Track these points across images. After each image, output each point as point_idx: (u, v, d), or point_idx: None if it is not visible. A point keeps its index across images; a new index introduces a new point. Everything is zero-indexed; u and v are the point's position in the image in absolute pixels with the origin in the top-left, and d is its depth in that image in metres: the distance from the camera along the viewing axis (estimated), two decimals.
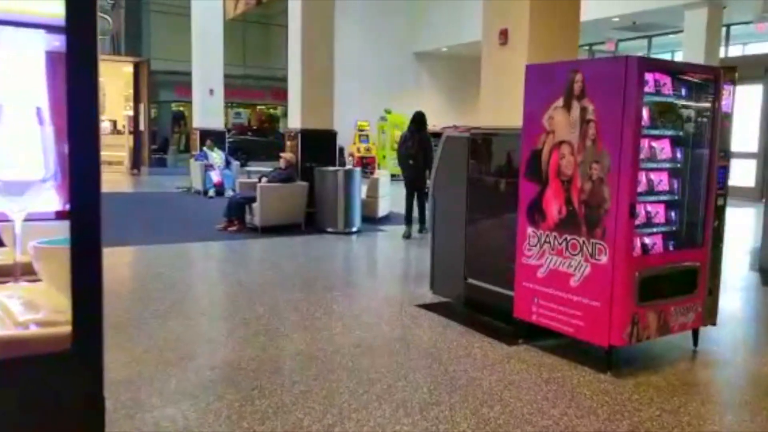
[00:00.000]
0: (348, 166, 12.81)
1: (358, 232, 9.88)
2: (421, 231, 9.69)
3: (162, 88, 26.78)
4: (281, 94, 27.06)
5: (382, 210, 11.21)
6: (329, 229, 9.70)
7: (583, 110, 4.41)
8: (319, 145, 10.33)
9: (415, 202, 9.66)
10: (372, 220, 10.69)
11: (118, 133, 21.25)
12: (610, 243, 4.23)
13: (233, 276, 6.93)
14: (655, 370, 4.42)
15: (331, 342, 4.82)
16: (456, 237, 5.98)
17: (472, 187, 5.74)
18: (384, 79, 21.65)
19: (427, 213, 6.40)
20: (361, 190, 10.20)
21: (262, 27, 27.50)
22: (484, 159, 5.61)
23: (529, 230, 4.84)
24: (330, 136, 10.48)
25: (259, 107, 30.15)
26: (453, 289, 6.06)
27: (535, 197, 4.79)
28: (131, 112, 20.81)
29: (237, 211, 9.65)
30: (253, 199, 9.51)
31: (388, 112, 20.35)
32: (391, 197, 11.89)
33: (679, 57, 15.41)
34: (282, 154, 10.19)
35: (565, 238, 4.56)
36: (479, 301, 5.65)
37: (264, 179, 9.80)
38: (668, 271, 4.47)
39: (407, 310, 5.77)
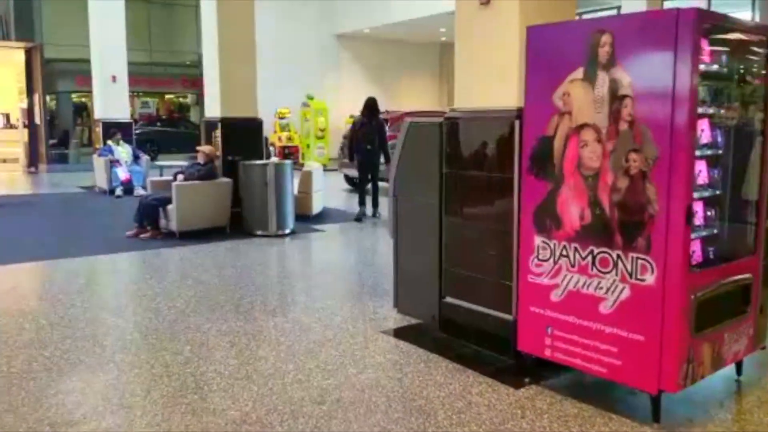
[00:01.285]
0: (273, 158, 11.52)
1: (293, 233, 8.63)
2: (374, 215, 10.11)
3: (60, 77, 24.32)
4: (191, 82, 25.12)
5: (317, 207, 9.97)
6: (259, 232, 8.39)
7: (614, 83, 3.37)
8: (243, 136, 8.98)
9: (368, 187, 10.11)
10: (306, 219, 9.45)
11: (12, 127, 18.85)
12: (659, 258, 3.22)
13: (148, 300, 5.56)
14: (706, 414, 3.48)
15: (285, 398, 3.61)
16: (427, 245, 4.87)
17: (449, 184, 4.63)
18: (304, 63, 20.24)
19: (387, 211, 5.25)
20: (293, 186, 8.93)
21: (167, 7, 25.44)
22: (464, 149, 4.50)
23: (538, 240, 3.78)
24: (255, 125, 9.14)
25: (167, 96, 28.05)
26: (424, 308, 4.96)
27: (546, 198, 3.72)
28: (26, 104, 18.55)
29: (149, 215, 8.19)
30: (167, 201, 8.08)
31: (311, 98, 19.01)
32: (325, 192, 10.68)
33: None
34: (199, 147, 8.78)
35: (591, 251, 3.52)
36: (461, 324, 4.58)
37: (180, 176, 8.37)
38: (723, 289, 3.50)
39: (372, 339, 4.62)
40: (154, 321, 4.96)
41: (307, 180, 9.68)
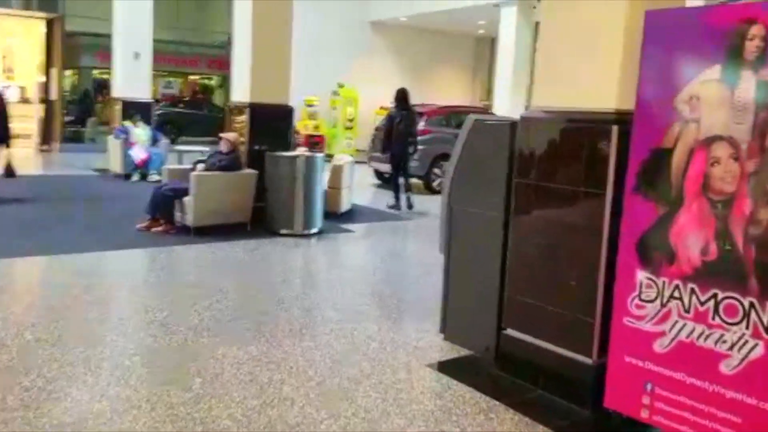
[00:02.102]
0: (301, 149, 10.81)
1: (320, 233, 7.92)
2: (410, 207, 10.17)
3: (83, 51, 23.83)
4: (218, 63, 24.49)
5: (346, 204, 9.26)
6: (283, 231, 7.69)
7: (764, 87, 2.60)
8: (272, 125, 8.26)
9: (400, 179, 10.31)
10: (334, 217, 8.74)
11: (27, 102, 18.25)
12: None
13: (155, 312, 4.86)
14: None
15: None
16: (486, 265, 4.14)
17: (520, 196, 3.88)
18: (335, 50, 19.49)
19: (441, 226, 4.49)
20: (323, 181, 8.22)
21: None
22: (543, 156, 3.74)
23: (641, 276, 3.02)
24: (285, 113, 8.42)
25: (192, 77, 27.45)
26: (478, 337, 4.24)
27: (656, 224, 2.97)
28: (44, 78, 17.96)
29: (163, 207, 7.50)
30: (184, 192, 7.38)
31: (341, 86, 18.27)
32: (354, 187, 9.96)
33: None
34: (223, 135, 8.07)
35: (714, 296, 2.77)
36: (524, 362, 3.84)
37: (200, 166, 7.68)
38: None
39: (418, 375, 3.90)
40: (161, 341, 4.26)
41: (337, 174, 8.96)
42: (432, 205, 10.86)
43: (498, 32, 17.31)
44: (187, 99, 25.19)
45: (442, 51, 22.15)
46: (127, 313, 4.91)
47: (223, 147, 7.83)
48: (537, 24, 18.26)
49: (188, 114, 22.88)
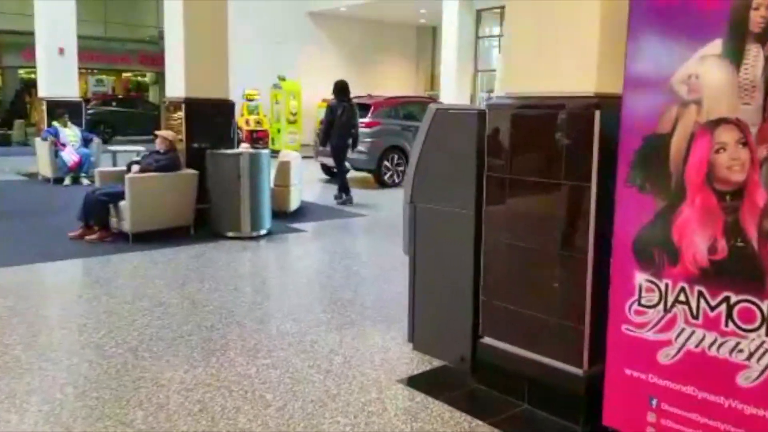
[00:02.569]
0: (244, 146, 10.29)
1: (269, 234, 7.46)
2: (345, 202, 9.95)
3: (6, 50, 22.57)
4: (151, 59, 23.50)
5: (295, 202, 8.80)
6: (229, 234, 7.20)
7: None
8: (212, 121, 7.74)
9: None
10: (283, 216, 8.28)
11: None
12: None
13: (90, 332, 4.35)
14: None
15: None
16: (457, 267, 3.80)
17: (493, 191, 3.53)
18: (274, 42, 18.88)
19: (404, 225, 4.12)
20: (270, 179, 7.74)
21: None
22: (517, 146, 3.41)
23: (640, 278, 2.72)
24: (226, 108, 7.90)
25: (124, 74, 26.33)
26: (451, 347, 3.91)
27: (655, 220, 2.66)
28: None
29: (97, 213, 6.91)
30: (119, 196, 6.81)
31: (282, 79, 17.69)
32: (303, 184, 9.51)
33: None
34: (159, 132, 7.51)
35: (726, 299, 2.49)
36: (505, 373, 3.50)
37: (134, 167, 7.10)
38: None
39: (390, 393, 3.53)
40: (97, 367, 3.76)
41: (284, 171, 8.49)
42: (384, 199, 10.51)
43: (440, 21, 17.09)
44: (120, 97, 24.13)
45: (384, 41, 21.80)
46: (57, 336, 4.37)
47: (160, 146, 7.27)
48: (478, 12, 18.12)
49: (122, 112, 21.90)
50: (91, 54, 21.55)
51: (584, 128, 3.07)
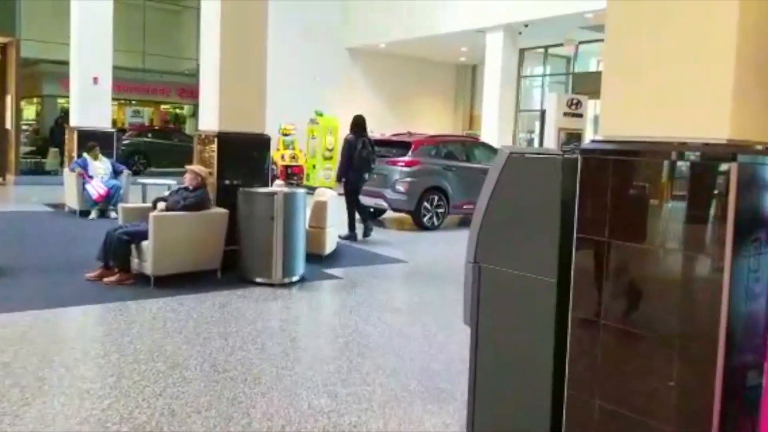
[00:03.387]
0: (279, 182, 9.80)
1: (302, 281, 6.83)
2: (366, 234, 9.77)
3: (44, 79, 22.65)
4: (189, 92, 23.39)
5: (330, 244, 8.18)
6: (259, 279, 6.59)
7: None
8: (246, 156, 7.22)
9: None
10: (317, 260, 7.66)
11: None
12: None
13: (93, 402, 3.73)
14: None
15: None
16: (534, 350, 3.10)
17: (585, 261, 2.85)
18: (312, 77, 18.55)
19: (465, 290, 3.44)
20: (305, 220, 7.15)
21: (165, 10, 23.80)
22: (622, 205, 2.73)
23: None
24: (261, 143, 7.39)
25: (162, 105, 26.31)
26: None
27: None
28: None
29: (117, 253, 6.36)
30: (142, 235, 6.26)
31: (320, 114, 17.29)
32: (339, 225, 8.91)
33: None
34: (190, 167, 6.97)
35: None
36: None
37: (160, 204, 6.56)
38: None
39: None
40: None
41: (320, 212, 7.89)
42: (423, 244, 9.87)
43: (482, 59, 16.61)
44: (156, 128, 24.02)
45: (423, 79, 21.39)
46: (54, 405, 3.73)
47: (189, 182, 6.73)
48: (521, 51, 17.61)
49: (157, 144, 21.70)
50: (129, 85, 21.49)
51: (716, 183, 2.39)
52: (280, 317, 5.73)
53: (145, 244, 6.24)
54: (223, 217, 6.70)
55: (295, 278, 6.76)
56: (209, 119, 7.20)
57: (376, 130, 18.22)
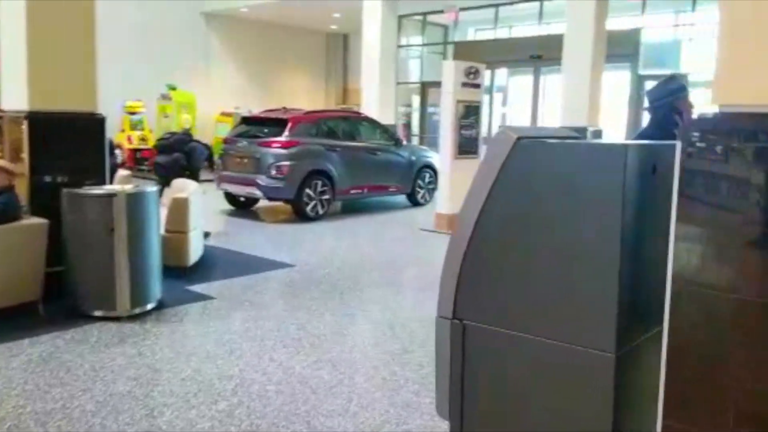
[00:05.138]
0: (123, 174, 7.87)
1: (160, 308, 5.13)
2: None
3: None
4: None
5: (196, 252, 6.47)
6: (98, 313, 4.84)
7: None
8: (72, 143, 5.33)
9: None
10: (179, 274, 5.96)
11: None
12: None
13: None
14: None
15: None
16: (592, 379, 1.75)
17: (695, 317, 1.51)
18: (161, 46, 16.22)
19: (439, 364, 2.00)
20: (159, 226, 5.41)
21: None
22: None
23: None
24: (93, 125, 5.49)
25: None
26: None
27: None
28: None
29: None
30: None
31: (173, 88, 15.07)
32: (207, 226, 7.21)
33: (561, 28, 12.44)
34: None
35: None
36: None
37: None
38: None
39: None
40: None
41: (180, 211, 6.14)
42: (309, 239, 8.35)
43: (354, 27, 15.21)
44: None
45: (290, 49, 19.57)
46: None
47: None
48: (400, 18, 16.33)
49: None
50: None
51: None
52: (129, 373, 4.00)
53: None
54: (40, 229, 4.81)
55: (149, 306, 5.05)
56: (13, 95, 5.24)
57: (242, 106, 16.33)
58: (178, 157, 8.50)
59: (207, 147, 8.86)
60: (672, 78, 3.49)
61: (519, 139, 1.87)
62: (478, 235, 1.91)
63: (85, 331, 4.60)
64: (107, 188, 5.14)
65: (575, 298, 1.73)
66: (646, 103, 3.53)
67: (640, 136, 3.35)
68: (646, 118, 13.86)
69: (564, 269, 1.75)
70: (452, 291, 1.96)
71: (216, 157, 11.01)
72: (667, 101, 3.30)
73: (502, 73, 16.65)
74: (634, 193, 1.66)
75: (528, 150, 1.86)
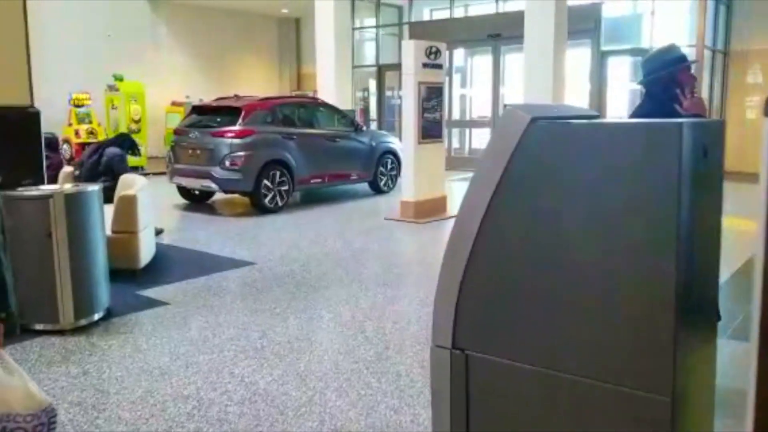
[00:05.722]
0: (67, 171, 7.35)
1: (108, 317, 4.69)
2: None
3: None
4: None
5: (147, 252, 6.00)
6: (39, 326, 4.39)
7: None
8: (3, 139, 4.82)
9: None
10: (129, 278, 5.51)
11: None
12: None
13: None
14: None
15: None
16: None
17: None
18: (106, 35, 15.45)
19: (432, 394, 1.66)
20: (104, 226, 4.95)
21: None
22: None
23: None
24: (26, 120, 4.99)
25: None
26: None
27: None
28: None
29: None
30: None
31: (119, 79, 14.34)
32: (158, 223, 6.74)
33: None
34: None
35: None
36: None
37: None
38: None
39: None
40: None
41: (128, 209, 5.66)
42: (267, 233, 7.93)
43: (305, 11, 14.70)
44: None
45: (241, 35, 18.92)
46: None
47: None
48: (353, 1, 15.86)
49: None
50: None
51: None
52: (71, 397, 3.57)
53: None
54: None
55: (96, 316, 4.61)
56: None
57: (192, 95, 15.68)
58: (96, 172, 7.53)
59: (126, 139, 8.04)
60: (669, 48, 3.18)
61: (534, 120, 1.53)
62: (484, 243, 1.56)
63: (24, 347, 4.15)
64: (44, 188, 4.65)
65: (619, 324, 1.39)
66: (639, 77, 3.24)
67: (638, 115, 3.04)
68: (611, 97, 13.51)
69: (602, 284, 1.40)
70: (451, 314, 1.60)
71: (167, 149, 10.45)
72: (665, 74, 3.00)
73: (459, 53, 16.34)
74: (689, 185, 1.34)
75: (548, 133, 1.51)
